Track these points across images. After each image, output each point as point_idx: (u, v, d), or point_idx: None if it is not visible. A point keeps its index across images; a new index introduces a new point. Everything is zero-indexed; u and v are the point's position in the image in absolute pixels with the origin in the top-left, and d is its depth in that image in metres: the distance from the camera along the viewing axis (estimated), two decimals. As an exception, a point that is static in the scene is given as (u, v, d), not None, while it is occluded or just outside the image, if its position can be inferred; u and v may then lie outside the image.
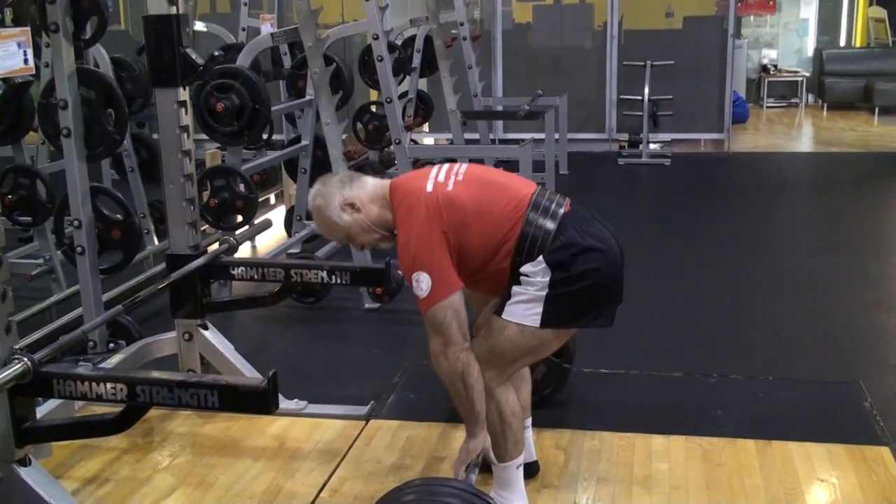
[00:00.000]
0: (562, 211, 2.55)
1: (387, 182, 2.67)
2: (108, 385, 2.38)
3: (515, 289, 2.52)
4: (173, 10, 3.12)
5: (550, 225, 2.51)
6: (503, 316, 2.53)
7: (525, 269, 2.50)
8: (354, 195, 2.63)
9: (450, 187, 2.54)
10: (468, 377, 2.50)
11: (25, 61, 3.63)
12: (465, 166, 2.65)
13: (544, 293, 2.48)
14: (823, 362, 3.96)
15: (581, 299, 2.52)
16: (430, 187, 2.55)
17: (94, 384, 2.40)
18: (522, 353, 2.59)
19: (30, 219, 4.43)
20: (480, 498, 2.17)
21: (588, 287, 2.50)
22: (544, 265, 2.48)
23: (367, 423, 3.42)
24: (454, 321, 2.47)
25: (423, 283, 2.45)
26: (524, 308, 2.51)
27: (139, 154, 5.17)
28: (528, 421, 2.94)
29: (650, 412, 3.49)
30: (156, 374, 2.44)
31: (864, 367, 3.86)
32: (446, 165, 2.65)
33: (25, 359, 2.38)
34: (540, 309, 2.49)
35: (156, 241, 5.35)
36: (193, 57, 3.17)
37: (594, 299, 2.54)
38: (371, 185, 2.67)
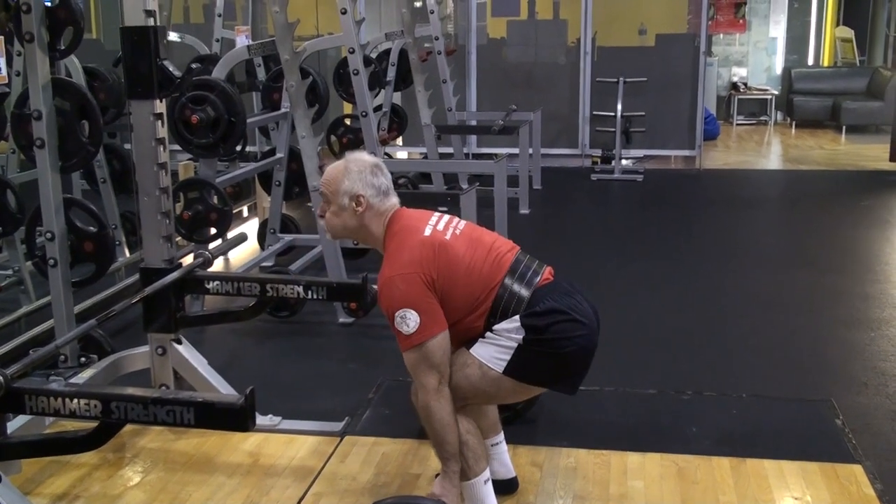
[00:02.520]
0: (537, 280, 2.58)
1: (396, 204, 2.67)
2: (82, 401, 2.35)
3: (489, 333, 2.55)
4: (150, 22, 3.09)
5: (525, 292, 2.54)
6: (471, 350, 2.55)
7: (498, 326, 2.53)
8: (368, 195, 2.61)
9: (447, 237, 2.55)
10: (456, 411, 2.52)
11: (-2, 70, 3.59)
12: (463, 223, 2.68)
13: (517, 344, 2.51)
14: (795, 379, 3.98)
15: (551, 363, 2.55)
16: (428, 232, 2.56)
17: (66, 400, 2.36)
18: (476, 394, 2.60)
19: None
20: None
21: (559, 354, 2.53)
22: (518, 324, 2.51)
23: (341, 440, 3.40)
24: (446, 359, 2.49)
25: (409, 320, 2.45)
26: (493, 350, 2.53)
27: (111, 165, 5.11)
28: (501, 437, 2.95)
29: (625, 429, 3.50)
30: (130, 391, 2.40)
31: (835, 384, 3.89)
32: (446, 217, 2.67)
33: (-3, 374, 2.34)
34: (508, 356, 2.52)
35: (127, 253, 5.30)
36: (171, 69, 3.15)
37: (563, 367, 2.58)
38: (386, 195, 2.65)
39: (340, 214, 2.65)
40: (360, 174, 2.62)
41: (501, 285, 2.54)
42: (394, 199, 2.67)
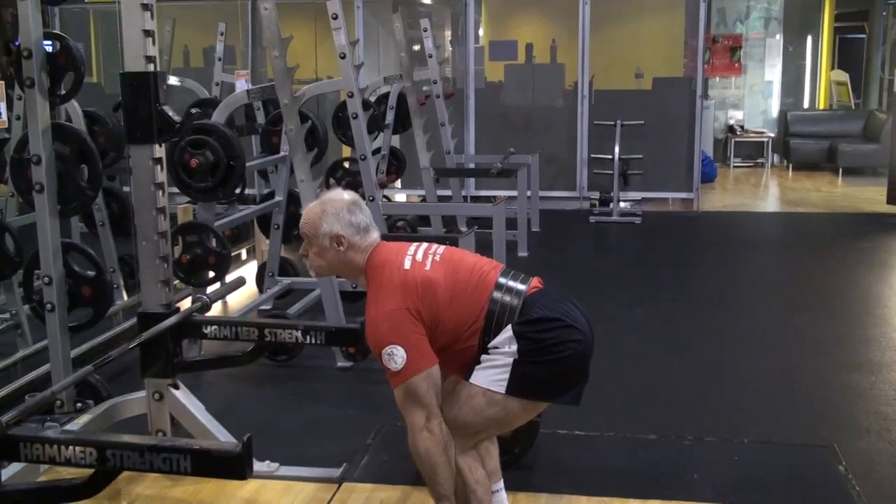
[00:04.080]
0: (524, 288, 2.59)
1: (377, 239, 2.67)
2: (77, 449, 2.33)
3: (484, 356, 2.54)
4: (151, 68, 3.11)
5: (515, 302, 2.55)
6: (471, 380, 2.54)
7: (492, 343, 2.53)
8: (348, 235, 2.62)
9: (427, 267, 2.57)
10: (449, 449, 2.51)
11: (-2, 114, 3.60)
12: (442, 248, 2.68)
13: (512, 359, 2.50)
14: (797, 424, 3.96)
15: (549, 371, 2.53)
16: (407, 264, 2.57)
17: (62, 448, 2.34)
18: (487, 424, 2.59)
19: (-3, 273, 4.35)
20: None
21: (556, 361, 2.52)
22: (511, 334, 2.50)
23: (339, 486, 3.36)
24: (433, 392, 2.48)
25: (397, 356, 2.45)
26: (492, 373, 2.52)
27: (110, 208, 5.11)
28: (500, 484, 2.91)
29: (625, 475, 3.46)
30: (126, 438, 2.39)
31: (837, 430, 3.86)
32: (424, 245, 2.68)
33: (-8, 421, 2.32)
34: (507, 375, 2.50)
35: (125, 296, 5.28)
36: (170, 114, 3.16)
37: (561, 374, 2.56)
38: (367, 231, 2.66)
39: (323, 255, 2.67)
40: (337, 215, 2.63)
41: (491, 300, 2.54)
42: (374, 235, 2.67)
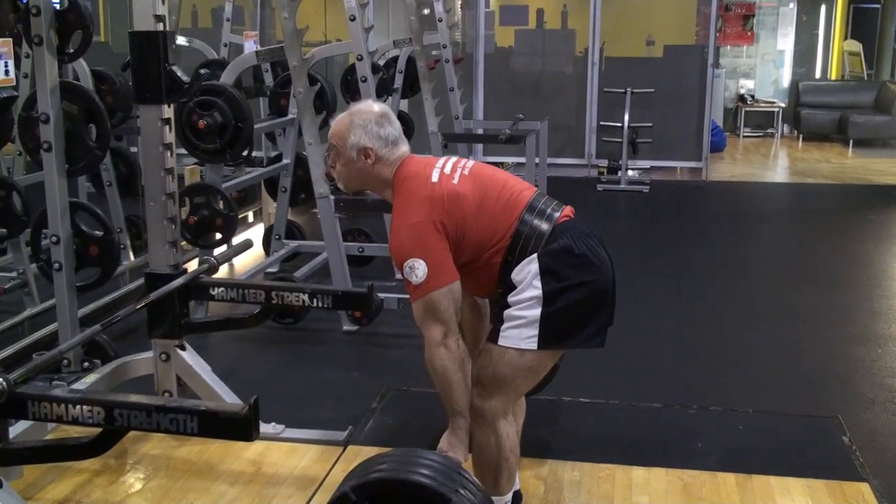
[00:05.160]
0: (557, 215, 2.55)
1: (406, 152, 2.63)
2: (85, 408, 2.33)
3: (508, 312, 2.49)
4: (160, 27, 3.08)
5: (545, 226, 2.51)
6: (500, 342, 2.50)
7: (515, 274, 2.48)
8: (376, 148, 2.57)
9: (455, 181, 2.52)
10: (465, 366, 2.47)
11: (6, 72, 3.58)
12: (471, 162, 2.63)
13: (538, 313, 2.45)
14: (802, 395, 3.96)
15: (575, 314, 2.49)
16: (435, 177, 2.52)
17: (70, 406, 2.34)
18: (524, 375, 2.55)
19: (4, 231, 4.35)
20: (459, 473, 2.07)
21: (581, 301, 2.48)
22: (536, 269, 2.45)
23: (345, 449, 3.38)
24: (452, 309, 2.44)
25: (418, 269, 2.41)
26: (519, 333, 2.48)
27: (117, 168, 5.10)
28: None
29: (630, 443, 3.47)
30: (134, 398, 2.39)
31: (842, 401, 3.87)
32: (453, 158, 2.63)
33: (1, 379, 2.32)
34: (536, 332, 2.47)
35: (132, 257, 5.28)
36: (179, 74, 3.14)
37: (587, 314, 2.52)
38: (395, 145, 2.60)
39: (350, 167, 2.62)
40: (365, 127, 2.58)
41: (521, 220, 2.50)
42: (403, 148, 2.62)
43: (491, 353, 2.52)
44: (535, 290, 2.46)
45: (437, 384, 2.50)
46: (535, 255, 2.47)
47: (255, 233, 6.46)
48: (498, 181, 2.60)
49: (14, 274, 4.65)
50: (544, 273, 2.46)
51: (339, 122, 2.64)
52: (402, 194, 2.55)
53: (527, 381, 2.61)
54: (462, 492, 1.98)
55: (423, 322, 2.47)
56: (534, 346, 2.47)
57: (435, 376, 2.49)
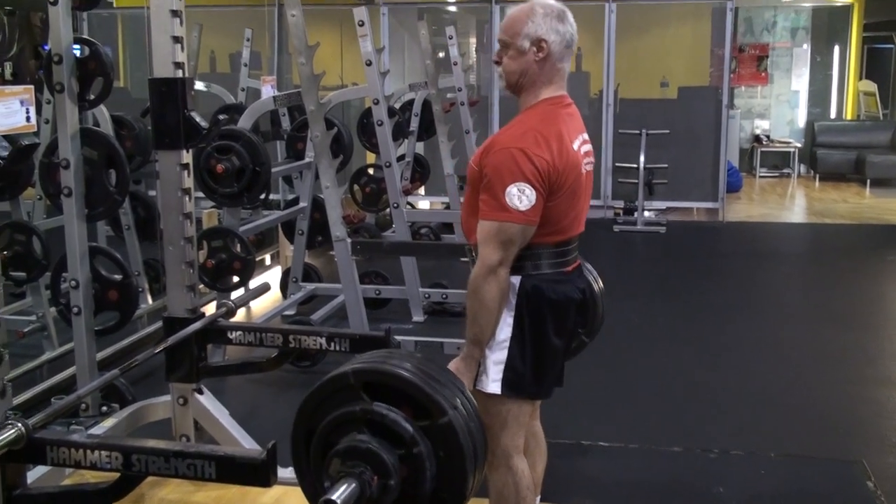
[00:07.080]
0: (566, 269, 2.53)
1: (565, 75, 2.53)
2: (103, 453, 2.33)
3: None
4: (179, 74, 3.12)
5: (547, 270, 2.47)
6: (476, 387, 2.46)
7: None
8: (552, 41, 2.43)
9: (582, 170, 2.48)
10: (504, 302, 2.40)
11: (28, 119, 3.62)
12: (590, 166, 2.57)
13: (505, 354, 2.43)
14: (825, 438, 3.91)
15: (532, 367, 2.46)
16: (576, 146, 2.47)
17: (88, 451, 2.34)
18: (507, 416, 2.50)
19: (24, 274, 4.38)
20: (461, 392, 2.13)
21: (540, 353, 2.45)
22: (512, 302, 2.42)
23: (362, 494, 3.34)
24: (518, 247, 2.37)
25: (527, 196, 2.30)
26: (488, 376, 2.46)
27: (136, 212, 5.14)
28: (538, 499, 2.87)
29: (651, 488, 3.43)
30: (152, 444, 2.38)
31: (865, 445, 3.82)
32: (587, 147, 2.57)
33: (20, 424, 2.32)
34: (500, 376, 2.44)
35: (150, 300, 5.30)
36: (197, 119, 3.17)
37: (543, 367, 2.49)
38: (569, 48, 2.49)
39: (518, 59, 2.46)
40: (546, 17, 2.44)
41: (544, 245, 2.44)
42: (566, 66, 2.50)
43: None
44: (508, 319, 2.43)
45: (472, 307, 2.39)
46: (519, 277, 2.43)
47: (273, 275, 6.47)
48: (582, 198, 2.53)
49: (33, 317, 4.67)
50: (518, 307, 2.43)
51: (516, 9, 2.48)
52: (535, 115, 2.45)
53: (518, 418, 2.55)
54: (459, 409, 2.07)
55: (488, 242, 2.34)
56: (497, 390, 2.45)
57: (474, 298, 2.37)
